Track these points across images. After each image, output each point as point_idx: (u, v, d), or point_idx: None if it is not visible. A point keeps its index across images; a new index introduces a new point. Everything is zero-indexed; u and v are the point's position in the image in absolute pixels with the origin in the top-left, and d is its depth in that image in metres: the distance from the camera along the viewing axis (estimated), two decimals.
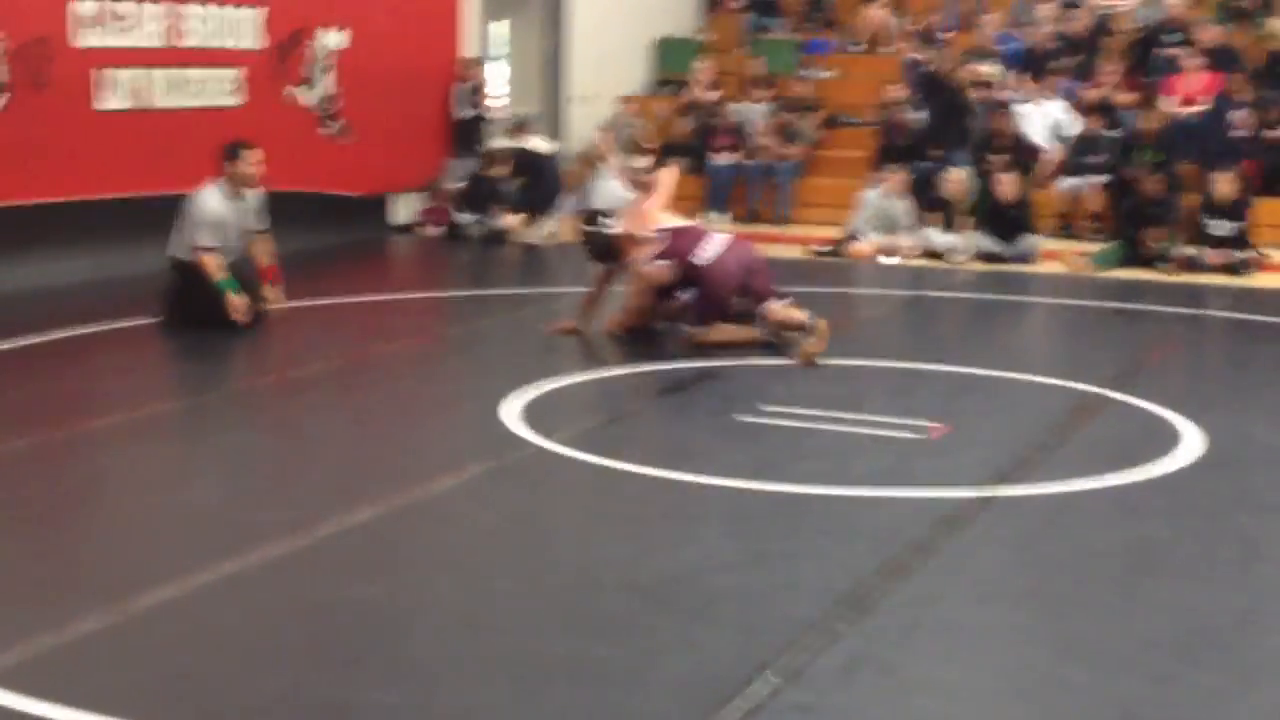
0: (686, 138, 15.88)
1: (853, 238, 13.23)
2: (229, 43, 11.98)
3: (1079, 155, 14.04)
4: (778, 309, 8.63)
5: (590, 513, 5.84)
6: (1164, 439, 6.78)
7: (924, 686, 4.15)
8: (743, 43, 17.75)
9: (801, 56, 17.23)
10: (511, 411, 7.05)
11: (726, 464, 6.23)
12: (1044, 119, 14.54)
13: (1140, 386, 7.86)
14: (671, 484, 6.02)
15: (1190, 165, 13.68)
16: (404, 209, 14.34)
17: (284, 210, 10.03)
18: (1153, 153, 13.60)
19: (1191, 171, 13.67)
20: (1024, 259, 12.74)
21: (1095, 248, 12.95)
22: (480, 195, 13.95)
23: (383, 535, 5.36)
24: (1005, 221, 12.94)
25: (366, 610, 4.61)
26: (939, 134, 14.32)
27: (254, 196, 9.30)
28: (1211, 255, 12.35)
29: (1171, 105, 14.33)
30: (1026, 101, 14.72)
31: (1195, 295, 11.30)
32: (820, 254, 13.12)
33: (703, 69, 16.47)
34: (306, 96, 12.86)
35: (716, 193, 15.11)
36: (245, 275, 9.17)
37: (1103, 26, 15.85)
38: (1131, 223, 12.73)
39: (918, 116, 14.86)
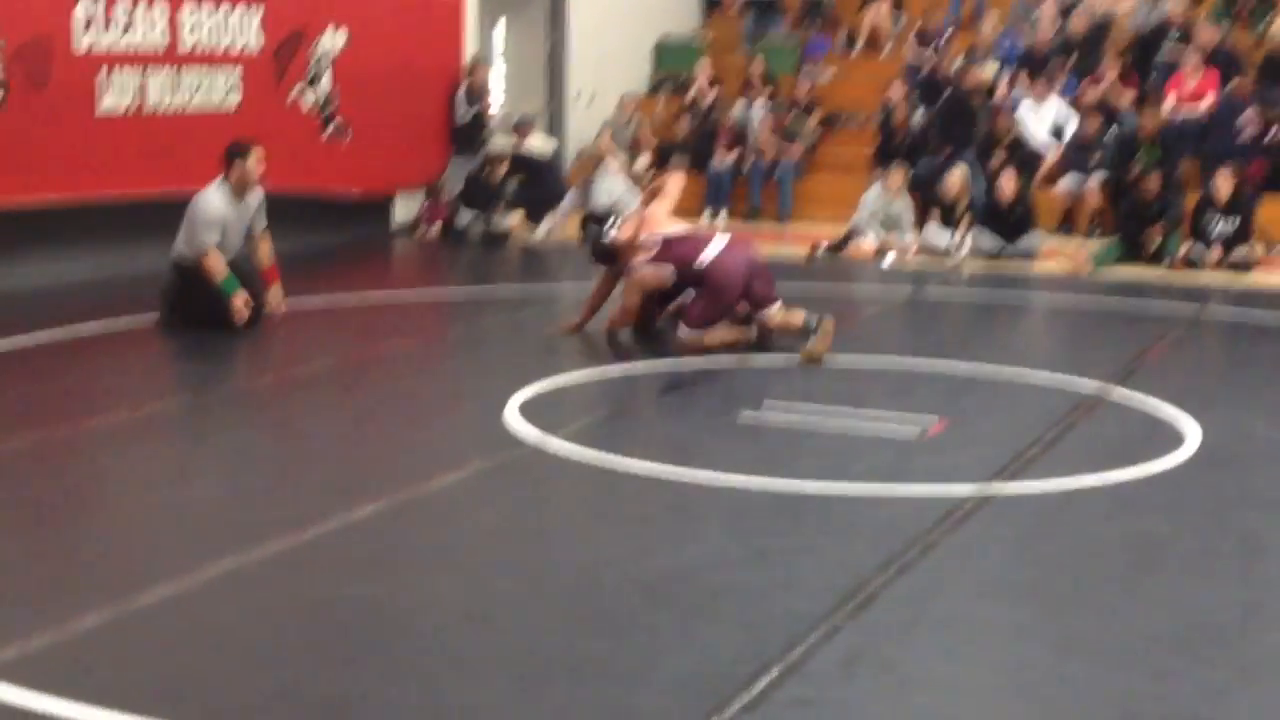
0: (687, 138, 15.89)
1: (853, 236, 13.22)
2: (230, 43, 11.99)
3: (1079, 154, 14.05)
4: (776, 314, 8.58)
5: (591, 511, 5.85)
6: (1164, 436, 6.79)
7: (924, 682, 4.15)
8: (743, 43, 17.76)
9: (801, 56, 17.23)
10: (512, 410, 7.06)
11: (727, 462, 6.23)
12: (1044, 118, 14.54)
13: (1140, 384, 7.86)
14: (672, 482, 6.03)
15: (1190, 164, 13.71)
16: (404, 209, 14.35)
17: (285, 210, 10.04)
18: (1152, 151, 13.59)
19: (1191, 170, 13.69)
20: (1025, 257, 12.75)
21: (1095, 246, 12.95)
22: (480, 195, 13.96)
23: (383, 533, 5.36)
24: (1005, 220, 12.94)
25: (367, 608, 4.61)
26: (947, 135, 14.30)
27: (256, 197, 9.30)
28: (1211, 253, 12.35)
29: (1171, 105, 14.33)
30: (1027, 100, 14.72)
31: (1195, 293, 11.30)
32: (820, 253, 13.11)
33: (703, 69, 16.48)
34: (307, 97, 12.86)
35: (717, 192, 15.12)
36: (246, 275, 9.17)
37: (1102, 26, 15.86)
38: (1131, 221, 12.74)
39: (918, 116, 14.87)
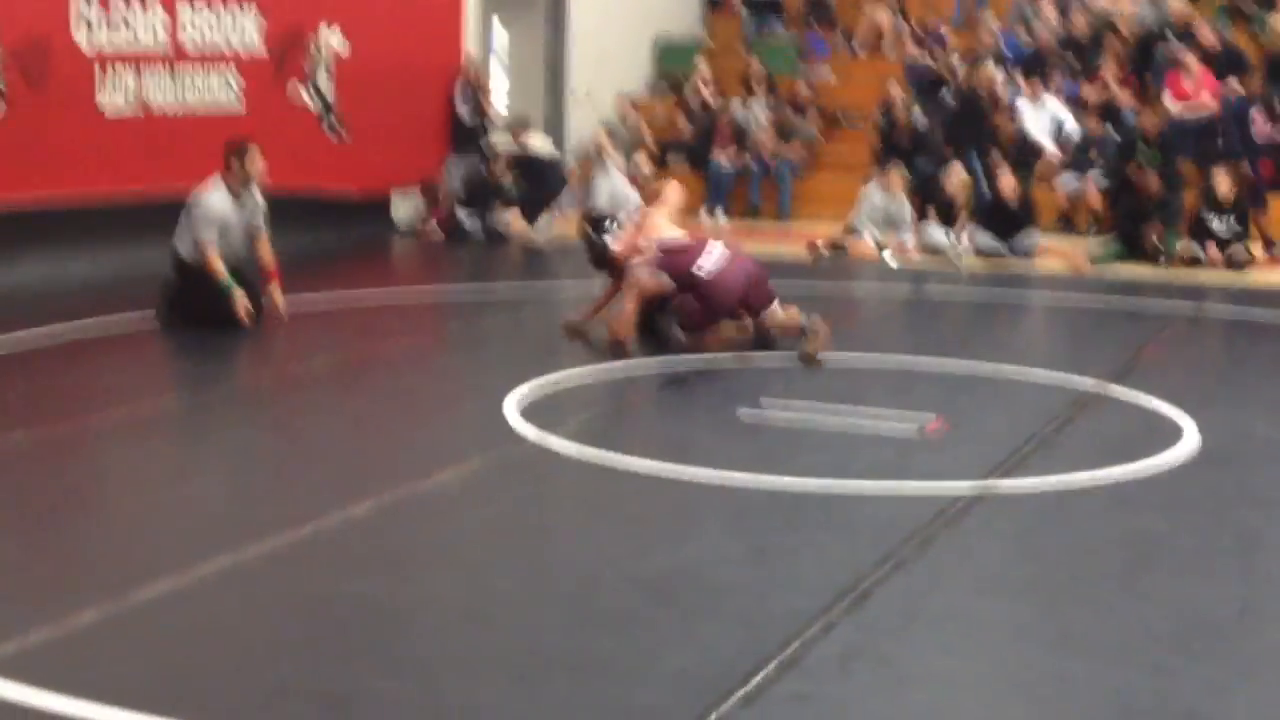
0: (687, 137, 15.91)
1: (853, 235, 13.23)
2: (230, 42, 12.00)
3: (1079, 153, 14.06)
4: (778, 314, 8.56)
5: (590, 508, 5.85)
6: (1163, 434, 6.79)
7: (921, 678, 4.16)
8: (743, 42, 17.77)
9: (801, 56, 17.25)
10: (512, 407, 7.06)
11: (727, 459, 6.24)
12: (1045, 117, 14.55)
13: (1138, 382, 7.87)
14: (672, 480, 6.03)
15: (1189, 163, 13.72)
16: (405, 208, 14.36)
17: (286, 209, 10.05)
18: (1153, 151, 13.60)
19: (1190, 169, 13.70)
20: (1024, 256, 12.76)
21: (1095, 245, 12.97)
22: (481, 194, 13.97)
23: (383, 530, 5.37)
24: (1006, 219, 12.95)
25: (367, 604, 4.62)
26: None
27: (256, 196, 9.30)
28: (1211, 252, 12.37)
29: (1172, 104, 14.34)
30: (1026, 100, 14.73)
31: (1193, 291, 11.31)
32: (820, 252, 13.12)
33: (703, 69, 16.49)
34: (307, 96, 12.87)
35: (716, 192, 15.13)
36: (245, 274, 9.18)
37: (1102, 26, 15.87)
38: (1131, 220, 12.75)
39: (919, 116, 14.89)
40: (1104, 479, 6.07)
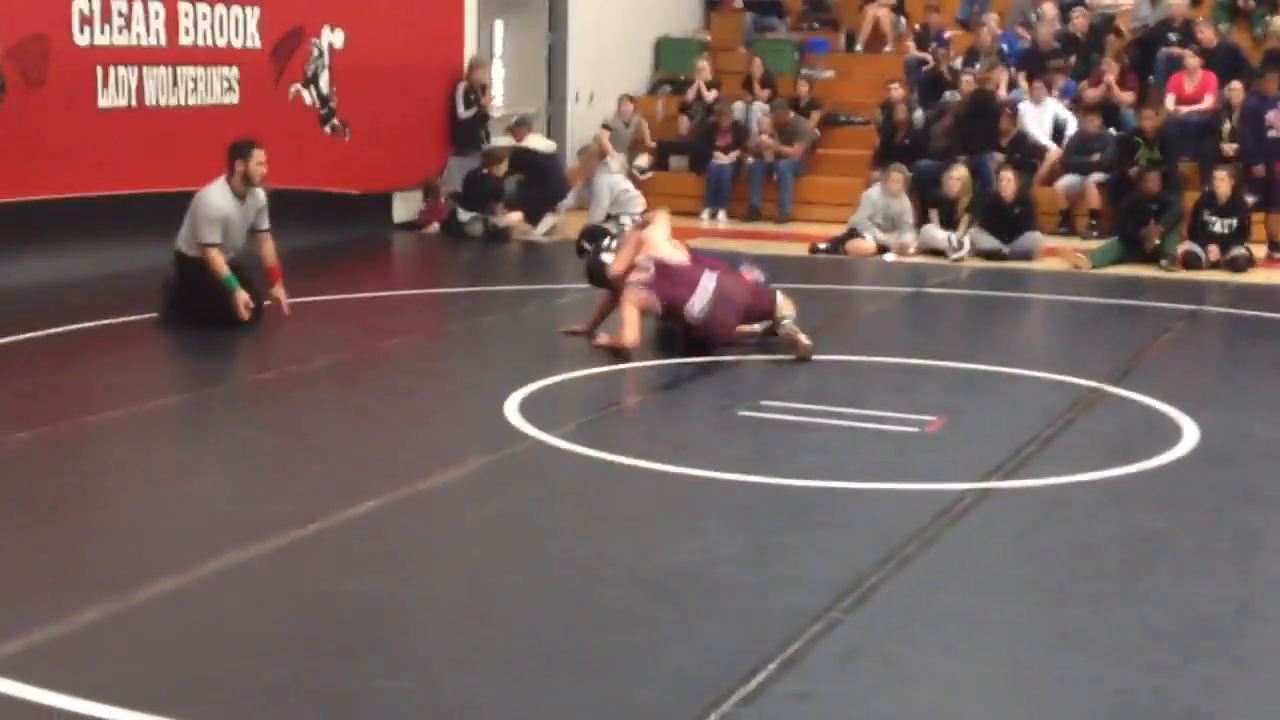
0: (687, 137, 15.91)
1: (853, 235, 13.24)
2: (229, 41, 12.00)
3: (1079, 153, 14.06)
4: (785, 314, 8.45)
5: (592, 506, 5.86)
6: (1162, 433, 6.80)
7: (922, 677, 4.17)
8: (743, 42, 17.77)
9: (801, 56, 17.25)
10: (513, 406, 7.07)
11: (727, 458, 6.25)
12: (1045, 117, 14.55)
13: (1138, 381, 7.88)
14: (673, 478, 6.04)
15: (1189, 163, 13.72)
16: (405, 207, 14.36)
17: (286, 208, 10.04)
18: (1153, 151, 13.60)
19: (1190, 169, 13.70)
20: (1024, 256, 12.76)
21: (1095, 245, 12.97)
22: (481, 193, 13.97)
23: (384, 529, 5.38)
24: (1005, 219, 12.95)
25: (368, 602, 4.63)
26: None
27: (259, 196, 9.30)
28: (1211, 253, 12.37)
29: (1172, 104, 14.34)
30: (1026, 100, 14.74)
31: (1194, 291, 11.31)
32: (821, 251, 13.12)
33: (703, 68, 16.49)
34: (307, 94, 12.88)
35: (716, 192, 15.13)
36: (247, 273, 9.19)
37: (1103, 26, 15.87)
38: (1131, 220, 12.75)
39: (919, 115, 14.90)
40: (1104, 478, 6.08)
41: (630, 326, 8.25)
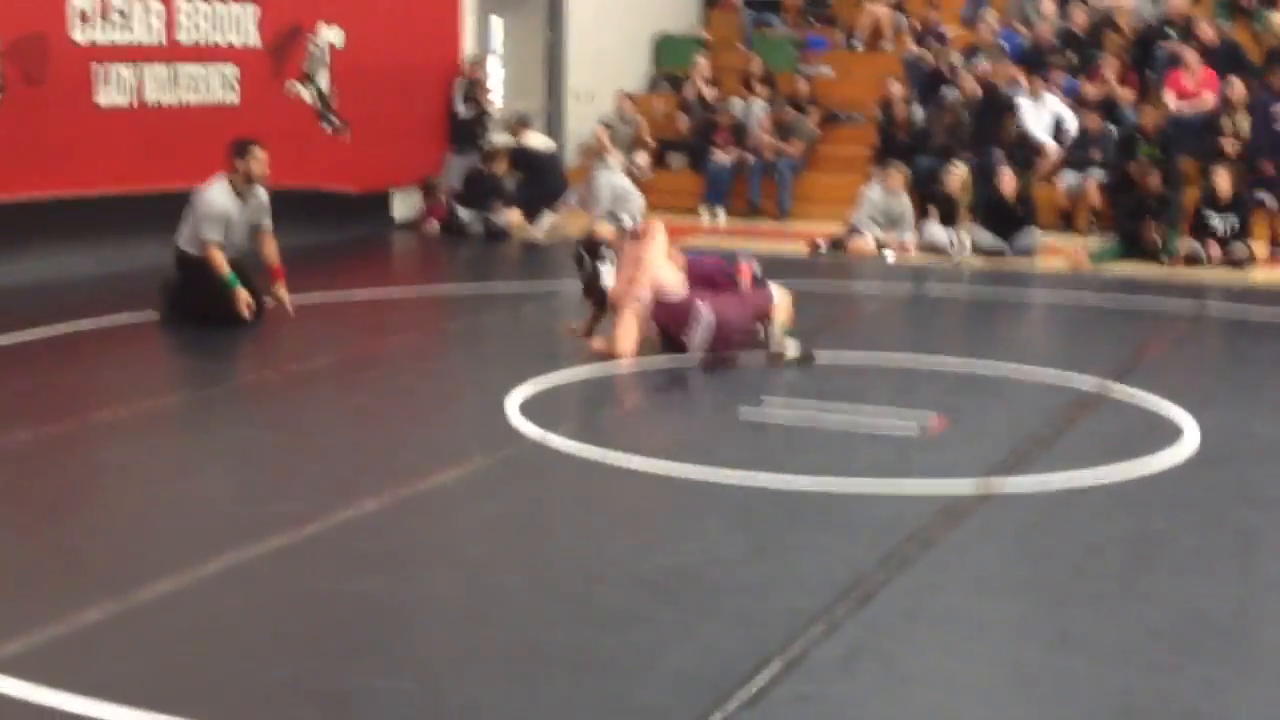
0: (686, 134, 15.90)
1: (853, 233, 13.23)
2: (228, 38, 11.99)
3: (1079, 151, 14.06)
4: (780, 346, 8.38)
5: (591, 507, 5.86)
6: (1163, 433, 6.80)
7: (923, 678, 4.17)
8: (742, 39, 17.76)
9: (800, 53, 17.24)
10: (513, 406, 7.07)
11: (728, 458, 6.25)
12: (1045, 114, 14.55)
13: (1139, 381, 7.87)
14: (672, 478, 6.04)
15: (1189, 161, 13.72)
16: (404, 205, 14.36)
17: (285, 206, 10.03)
18: (1153, 148, 13.60)
19: (1191, 167, 13.69)
20: (1025, 254, 12.76)
21: (1095, 243, 12.96)
22: (480, 191, 13.96)
23: (384, 529, 5.37)
24: (1006, 217, 12.95)
25: (369, 602, 4.62)
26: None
27: (261, 195, 9.30)
28: (1212, 250, 12.37)
29: (1172, 101, 14.33)
30: (1025, 97, 14.72)
31: (1195, 290, 11.31)
32: (820, 250, 13.12)
33: (702, 65, 16.48)
34: (305, 92, 12.87)
35: (716, 189, 15.12)
36: (248, 272, 9.18)
37: (1103, 23, 15.86)
38: (1131, 218, 12.74)
39: (918, 113, 14.89)
40: (1104, 478, 6.08)
41: (625, 336, 8.18)
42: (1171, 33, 15.26)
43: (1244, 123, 13.68)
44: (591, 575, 4.93)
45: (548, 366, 7.96)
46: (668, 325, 8.27)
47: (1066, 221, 13.97)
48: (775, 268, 9.26)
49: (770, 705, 3.92)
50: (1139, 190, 12.88)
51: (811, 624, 4.42)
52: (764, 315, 8.44)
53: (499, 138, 14.74)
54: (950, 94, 14.90)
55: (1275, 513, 5.80)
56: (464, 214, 13.88)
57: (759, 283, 8.57)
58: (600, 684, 4.06)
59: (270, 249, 9.38)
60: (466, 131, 14.47)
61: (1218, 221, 12.55)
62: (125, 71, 11.17)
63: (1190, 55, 14.47)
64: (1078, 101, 14.63)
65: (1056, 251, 12.85)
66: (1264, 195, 13.09)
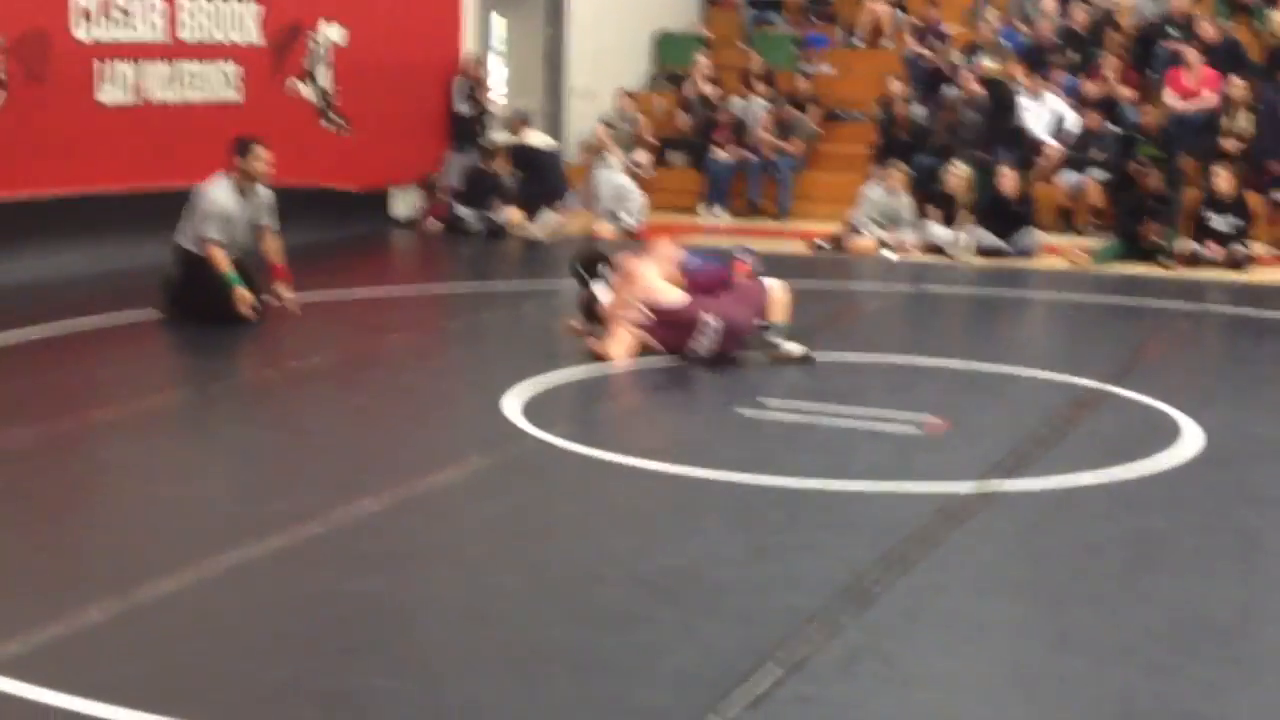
0: (686, 132, 15.89)
1: (853, 232, 13.24)
2: (229, 36, 11.99)
3: (1080, 150, 14.05)
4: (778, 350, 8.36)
5: (592, 506, 5.85)
6: (1164, 434, 6.80)
7: (924, 678, 4.17)
8: (742, 37, 17.76)
9: (801, 51, 17.24)
10: (513, 405, 7.07)
11: (727, 458, 6.24)
12: (1045, 113, 14.54)
13: (1140, 381, 7.87)
14: (673, 478, 6.04)
15: (1190, 160, 13.71)
16: (404, 203, 14.36)
17: (285, 204, 10.02)
18: (1154, 148, 13.60)
19: (1191, 166, 13.68)
20: (1025, 254, 12.76)
21: (1096, 243, 12.96)
22: (480, 189, 13.96)
23: (384, 528, 5.37)
24: (1006, 216, 12.95)
25: (369, 602, 4.62)
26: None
27: (264, 193, 9.30)
28: (1212, 250, 12.36)
29: (1173, 99, 14.33)
30: (1026, 95, 14.72)
31: (1196, 290, 11.31)
32: (820, 248, 13.13)
33: (702, 63, 16.48)
34: (306, 90, 12.86)
35: (716, 187, 15.12)
36: (249, 271, 9.18)
37: (1104, 21, 15.85)
38: (1132, 218, 12.74)
39: (917, 111, 14.89)
40: (1105, 479, 6.07)
41: (619, 342, 8.15)
42: (1172, 31, 15.25)
43: (1245, 122, 13.69)
44: (591, 575, 4.93)
45: (548, 365, 7.96)
46: (673, 341, 8.19)
47: (1067, 221, 13.97)
48: (775, 267, 9.25)
49: (770, 705, 3.91)
50: (1139, 190, 12.87)
51: (812, 624, 4.42)
52: (763, 311, 8.42)
53: (499, 136, 14.74)
54: (951, 92, 14.89)
55: (1276, 513, 5.80)
56: (464, 212, 13.88)
57: (755, 276, 8.55)
58: (600, 683, 4.06)
59: (273, 247, 9.37)
60: (467, 129, 14.47)
61: (1218, 221, 12.54)
62: (126, 68, 11.17)
63: (1191, 54, 14.46)
64: (1078, 100, 14.62)
65: (1056, 251, 12.85)
66: (1278, 195, 13.08)
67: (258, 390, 7.86)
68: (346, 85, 13.14)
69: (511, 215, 13.83)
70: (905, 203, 13.35)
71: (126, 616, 4.44)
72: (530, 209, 13.94)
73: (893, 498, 5.80)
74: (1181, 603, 4.76)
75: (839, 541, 5.28)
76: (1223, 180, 12.59)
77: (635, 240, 12.67)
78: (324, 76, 13.02)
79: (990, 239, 12.87)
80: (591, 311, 8.60)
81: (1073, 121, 14.35)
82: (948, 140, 14.36)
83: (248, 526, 5.25)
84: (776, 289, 8.38)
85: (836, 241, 13.14)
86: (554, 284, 11.07)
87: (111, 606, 4.48)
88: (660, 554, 5.12)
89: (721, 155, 15.16)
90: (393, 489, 5.75)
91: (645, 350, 8.18)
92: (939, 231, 13.04)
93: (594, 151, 14.48)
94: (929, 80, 15.42)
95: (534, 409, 7.00)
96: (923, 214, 13.32)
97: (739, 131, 15.44)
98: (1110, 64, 14.89)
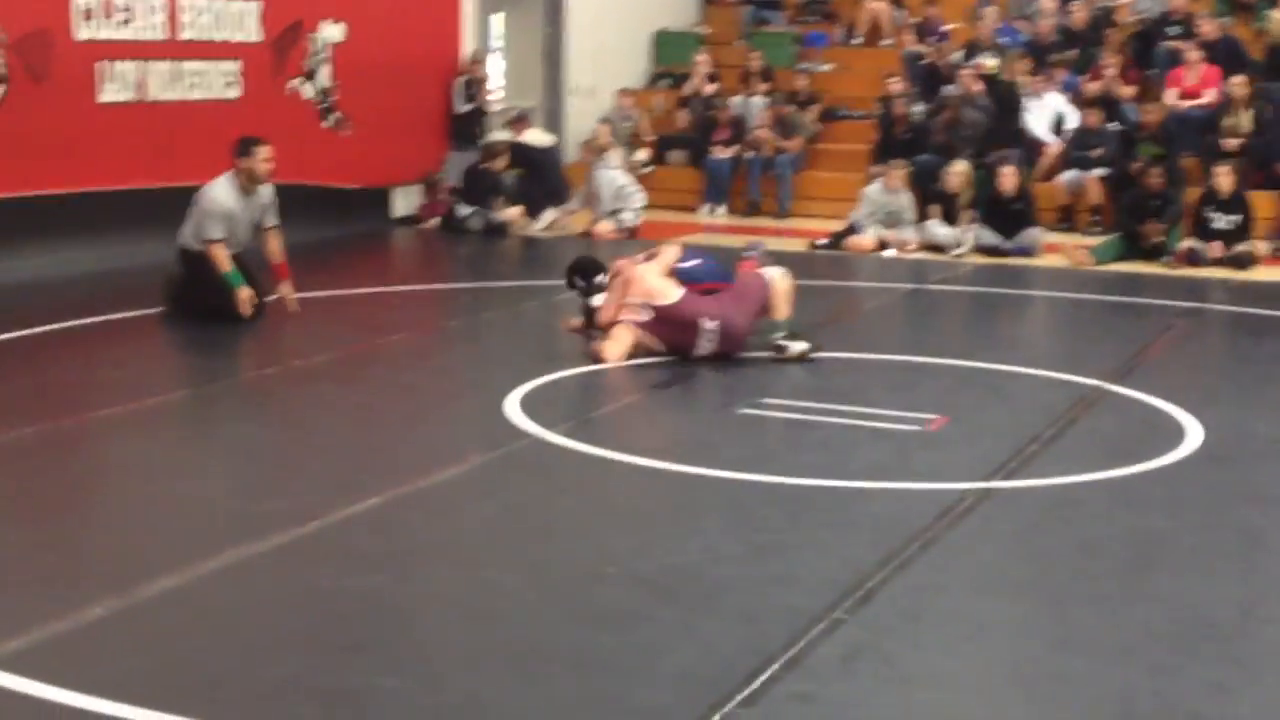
0: (686, 130, 15.89)
1: (853, 231, 13.23)
2: (229, 35, 11.98)
3: (1080, 148, 14.04)
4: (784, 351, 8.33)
5: (592, 504, 5.86)
6: (1164, 432, 6.80)
7: (924, 677, 4.17)
8: (741, 35, 17.75)
9: (800, 49, 17.24)
10: (513, 403, 7.07)
11: (728, 456, 6.24)
12: (1045, 112, 14.53)
13: (1141, 380, 7.87)
14: (673, 476, 6.04)
15: (1191, 158, 13.70)
16: (404, 201, 14.35)
17: (285, 202, 10.02)
18: (1154, 146, 13.59)
19: (1192, 165, 13.68)
20: (1025, 252, 12.75)
21: (1096, 241, 12.95)
22: (480, 188, 13.95)
23: (385, 526, 5.37)
24: (1006, 215, 12.94)
25: (369, 599, 4.62)
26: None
27: (266, 193, 9.29)
28: (1213, 249, 12.36)
29: (1173, 98, 14.32)
30: (1026, 94, 14.72)
31: (1196, 289, 11.30)
32: (821, 247, 13.12)
33: (701, 62, 16.47)
34: (306, 89, 12.86)
35: (716, 186, 15.12)
36: (251, 269, 9.18)
37: (1103, 19, 15.85)
38: (1132, 216, 12.73)
39: (917, 109, 14.88)
40: (1106, 478, 6.07)
41: (617, 344, 8.14)
42: (1172, 30, 15.24)
43: (1245, 120, 13.69)
44: (592, 573, 4.93)
45: (548, 364, 7.96)
46: (674, 340, 8.18)
47: (1067, 219, 13.96)
48: (776, 265, 9.23)
49: (770, 705, 3.92)
50: (1140, 188, 12.86)
51: (812, 623, 4.42)
52: (765, 309, 8.41)
53: (499, 134, 14.74)
54: (954, 90, 14.88)
55: (1277, 512, 5.80)
56: (464, 210, 13.87)
57: (759, 270, 8.54)
58: (600, 682, 4.06)
59: (275, 246, 9.37)
60: (466, 128, 14.47)
61: (1219, 220, 12.54)
62: (127, 68, 11.16)
63: (1191, 52, 14.46)
64: (1078, 99, 14.62)
65: (1057, 249, 12.84)
66: None
67: (259, 388, 7.86)
68: (347, 84, 13.14)
69: (511, 213, 13.83)
70: (905, 201, 13.34)
71: (128, 613, 4.44)
72: (530, 207, 13.94)
73: (893, 497, 5.80)
74: (1182, 602, 4.76)
75: (839, 540, 5.28)
76: (1223, 178, 12.58)
77: (635, 240, 12.68)
78: (324, 75, 13.01)
79: (991, 237, 12.86)
80: (591, 314, 8.66)
81: (1073, 120, 14.32)
82: (947, 139, 14.35)
83: (249, 524, 5.25)
84: (778, 279, 8.35)
85: (837, 240, 13.12)
86: (554, 282, 11.06)
87: (113, 603, 4.48)
88: (660, 553, 5.13)
89: (721, 153, 15.13)
90: (393, 487, 5.75)
91: (644, 352, 8.18)
92: (939, 230, 13.03)
93: (594, 150, 14.48)
94: (928, 78, 15.41)
95: (534, 407, 7.00)
96: (923, 213, 13.31)
97: (738, 130, 15.43)
98: (1110, 62, 14.87)
